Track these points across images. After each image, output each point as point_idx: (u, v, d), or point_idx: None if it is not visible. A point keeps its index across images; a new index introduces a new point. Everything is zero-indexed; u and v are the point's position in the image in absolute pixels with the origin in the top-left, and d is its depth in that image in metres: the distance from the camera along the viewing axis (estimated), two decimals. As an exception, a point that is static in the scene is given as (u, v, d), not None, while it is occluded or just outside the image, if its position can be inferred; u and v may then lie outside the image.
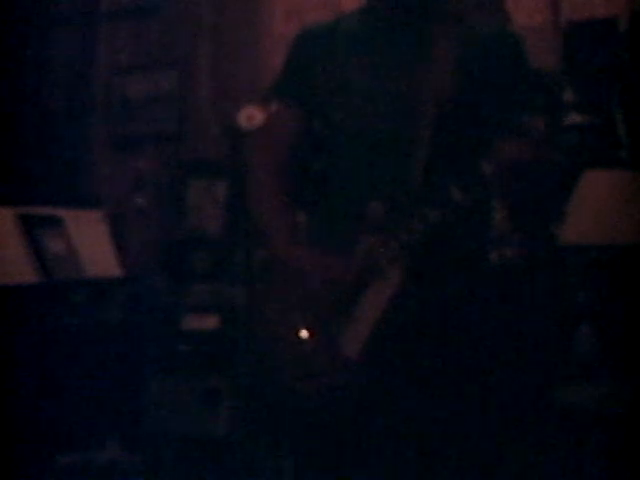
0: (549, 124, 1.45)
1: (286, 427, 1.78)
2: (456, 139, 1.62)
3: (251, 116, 3.81)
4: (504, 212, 1.62)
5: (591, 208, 2.77)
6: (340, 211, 1.72)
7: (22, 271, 3.01)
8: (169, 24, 4.17)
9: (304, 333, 1.66)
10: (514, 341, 1.77)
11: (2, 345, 2.82)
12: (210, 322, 3.54)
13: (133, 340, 3.44)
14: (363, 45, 1.73)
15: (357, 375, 1.60)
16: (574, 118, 1.47)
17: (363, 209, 1.62)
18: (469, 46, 1.67)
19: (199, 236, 3.92)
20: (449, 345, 1.64)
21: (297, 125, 1.79)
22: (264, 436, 3.35)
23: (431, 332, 1.63)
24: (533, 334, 2.77)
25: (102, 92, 4.31)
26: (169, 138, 4.15)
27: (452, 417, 1.63)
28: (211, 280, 3.76)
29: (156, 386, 3.52)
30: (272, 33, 3.95)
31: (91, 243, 3.41)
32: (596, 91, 1.49)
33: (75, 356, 3.08)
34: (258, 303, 1.77)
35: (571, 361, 2.85)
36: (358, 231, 1.63)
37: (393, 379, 1.63)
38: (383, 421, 1.64)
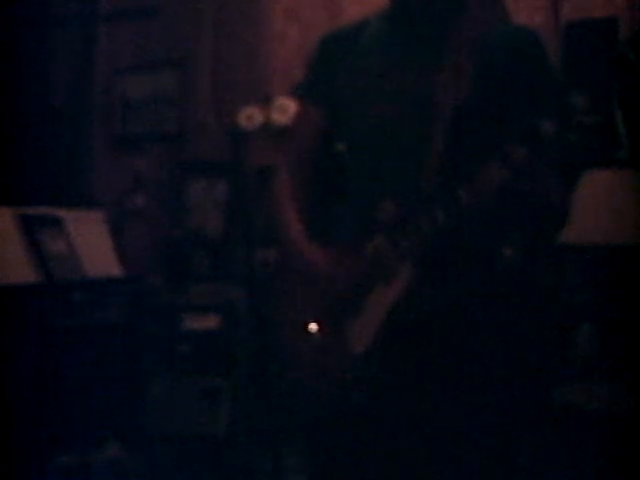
0: (562, 128, 1.47)
1: (294, 422, 1.80)
2: (470, 142, 1.64)
3: (251, 116, 3.82)
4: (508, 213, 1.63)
5: (591, 208, 2.77)
6: (353, 209, 1.74)
7: (22, 271, 3.01)
8: (170, 24, 4.17)
9: (313, 326, 1.68)
10: (515, 341, 1.77)
11: (2, 345, 2.82)
12: (210, 322, 3.54)
13: (133, 340, 3.44)
14: (384, 49, 1.76)
15: (365, 371, 1.62)
16: (574, 118, 1.48)
17: (375, 208, 1.64)
18: (488, 49, 1.68)
19: (199, 236, 3.92)
20: (453, 343, 1.65)
21: (318, 126, 1.82)
22: (265, 435, 3.35)
23: (437, 330, 1.64)
24: (534, 334, 2.77)
25: (102, 92, 4.31)
26: (169, 138, 4.15)
27: (454, 415, 1.64)
28: (211, 280, 3.76)
29: (156, 386, 3.52)
30: (272, 33, 3.96)
31: (91, 243, 3.41)
32: (596, 91, 1.49)
33: (75, 356, 3.09)
34: (265, 299, 1.80)
35: (571, 361, 2.85)
36: (369, 229, 1.64)
37: (399, 375, 1.64)
38: (389, 416, 1.65)
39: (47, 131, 4.30)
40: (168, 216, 4.08)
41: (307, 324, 1.69)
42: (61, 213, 3.36)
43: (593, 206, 2.77)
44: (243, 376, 3.45)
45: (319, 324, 1.69)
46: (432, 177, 1.63)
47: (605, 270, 2.89)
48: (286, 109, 3.70)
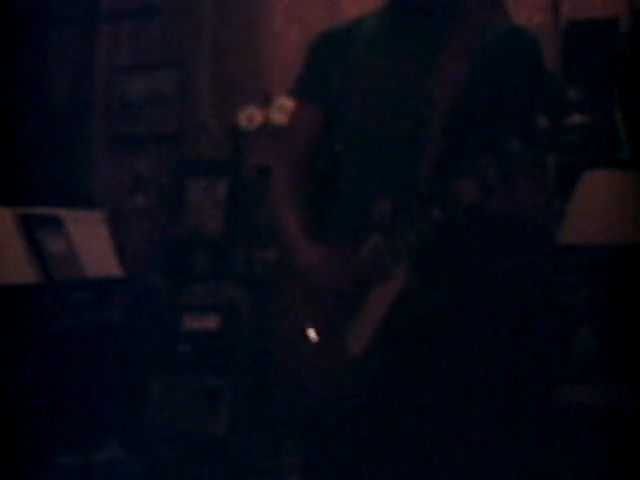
0: (557, 124, 1.47)
1: (292, 423, 1.80)
2: (467, 141, 1.63)
3: (251, 116, 3.82)
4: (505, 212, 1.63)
5: (591, 208, 2.77)
6: (349, 209, 1.74)
7: (22, 271, 3.01)
8: (169, 24, 4.17)
9: (311, 332, 1.68)
10: (514, 341, 1.77)
11: (2, 345, 2.82)
12: (210, 322, 3.54)
13: (133, 340, 3.44)
14: (381, 46, 1.75)
15: (362, 373, 1.62)
16: (574, 118, 1.48)
17: (371, 208, 1.64)
18: (485, 47, 1.68)
19: (199, 236, 3.92)
20: (451, 343, 1.65)
21: (315, 123, 1.82)
22: (265, 435, 3.35)
23: (434, 329, 1.64)
24: (533, 334, 2.77)
25: (102, 92, 4.31)
26: (169, 138, 4.15)
27: (453, 415, 1.64)
28: (211, 280, 3.76)
29: (156, 386, 3.52)
30: (272, 33, 3.96)
31: (91, 243, 3.41)
32: (596, 91, 1.49)
33: (75, 356, 3.09)
34: (265, 299, 1.80)
35: (571, 361, 2.85)
36: (366, 229, 1.64)
37: (398, 376, 1.64)
38: (388, 416, 1.65)
39: (47, 131, 4.30)
40: (168, 216, 4.08)
41: (306, 331, 1.69)
42: (61, 213, 3.36)
43: (593, 206, 2.77)
44: (243, 376, 3.45)
45: (317, 330, 1.68)
46: (429, 175, 1.63)
47: (605, 270, 2.89)
48: (286, 109, 3.70)
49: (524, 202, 1.58)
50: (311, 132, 1.83)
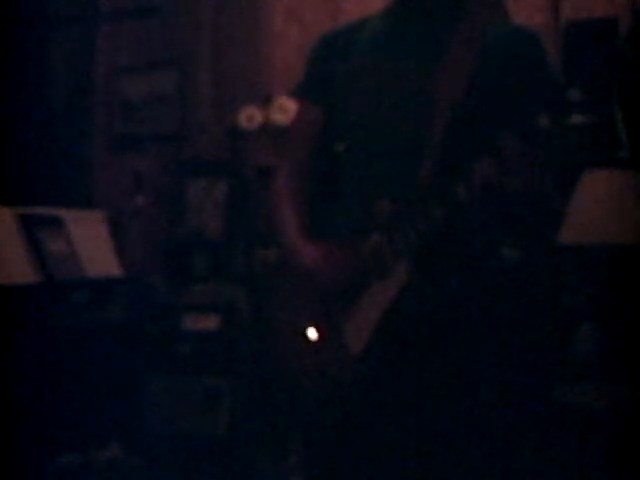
0: (557, 123, 1.47)
1: (292, 423, 1.80)
2: (468, 140, 1.64)
3: (251, 116, 3.81)
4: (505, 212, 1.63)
5: (591, 208, 2.77)
6: (349, 209, 1.75)
7: (22, 271, 3.01)
8: (169, 24, 4.17)
9: (311, 332, 1.68)
10: (514, 341, 1.78)
11: (2, 345, 2.82)
12: (210, 322, 3.54)
13: (133, 340, 3.44)
14: (383, 47, 1.76)
15: (362, 370, 1.62)
16: (574, 118, 1.48)
17: (371, 206, 1.64)
18: (486, 48, 1.68)
19: (199, 236, 3.92)
20: (451, 342, 1.65)
21: (316, 124, 1.82)
22: (265, 435, 3.35)
23: (434, 329, 1.64)
24: (533, 334, 2.77)
25: (102, 92, 4.31)
26: (169, 138, 4.15)
27: (453, 415, 1.64)
28: (211, 280, 3.76)
29: (156, 386, 3.52)
30: (272, 33, 3.96)
31: (91, 243, 3.41)
32: (596, 91, 1.50)
33: (75, 356, 3.09)
34: (265, 299, 1.80)
35: (571, 361, 2.85)
36: (365, 228, 1.64)
37: (397, 374, 1.64)
38: (388, 416, 1.65)
39: (47, 131, 4.30)
40: (168, 216, 4.08)
41: (306, 329, 1.69)
42: (61, 213, 3.36)
43: (593, 206, 2.77)
44: (243, 376, 3.45)
45: (318, 329, 1.68)
46: (430, 174, 1.63)
47: (605, 270, 2.89)
48: (286, 109, 3.70)
49: (524, 201, 1.58)
50: (313, 133, 1.84)
